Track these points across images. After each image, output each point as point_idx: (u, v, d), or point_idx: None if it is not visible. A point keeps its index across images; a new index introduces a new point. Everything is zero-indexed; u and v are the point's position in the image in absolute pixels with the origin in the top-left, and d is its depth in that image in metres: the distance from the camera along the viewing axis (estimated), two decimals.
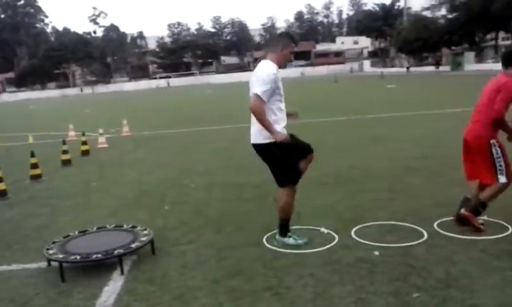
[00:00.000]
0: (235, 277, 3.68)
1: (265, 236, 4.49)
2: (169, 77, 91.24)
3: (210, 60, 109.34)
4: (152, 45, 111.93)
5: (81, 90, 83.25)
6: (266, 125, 4.01)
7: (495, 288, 3.18)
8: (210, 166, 8.50)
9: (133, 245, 4.10)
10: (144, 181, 7.61)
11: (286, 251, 4.13)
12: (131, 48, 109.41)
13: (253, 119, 4.16)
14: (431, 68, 63.34)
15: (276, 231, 4.42)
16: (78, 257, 3.96)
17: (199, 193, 6.56)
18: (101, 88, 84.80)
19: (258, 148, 4.21)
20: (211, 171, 8.01)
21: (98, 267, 4.00)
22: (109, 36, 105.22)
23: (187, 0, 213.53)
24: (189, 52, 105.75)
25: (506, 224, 4.36)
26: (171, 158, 9.75)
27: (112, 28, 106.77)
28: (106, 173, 8.75)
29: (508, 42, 58.63)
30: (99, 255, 3.93)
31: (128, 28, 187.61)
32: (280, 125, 4.10)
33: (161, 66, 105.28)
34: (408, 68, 64.60)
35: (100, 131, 12.40)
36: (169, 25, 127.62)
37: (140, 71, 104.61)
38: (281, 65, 4.22)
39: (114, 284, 3.72)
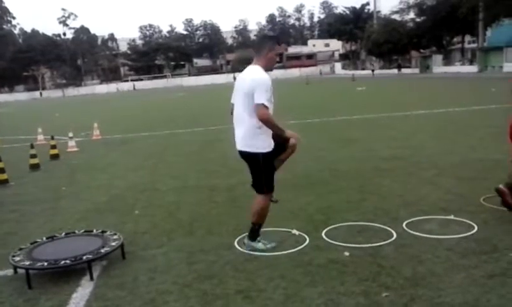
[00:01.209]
0: (206, 281, 3.67)
1: (236, 239, 4.49)
2: (141, 80, 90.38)
3: (182, 62, 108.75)
4: (124, 47, 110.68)
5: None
6: (279, 130, 4.03)
7: (460, 286, 3.26)
8: (181, 169, 8.45)
9: (102, 251, 4.05)
10: (115, 186, 7.51)
11: (257, 253, 4.14)
12: (102, 50, 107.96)
13: (239, 125, 4.14)
14: (396, 71, 64.50)
15: (245, 235, 4.42)
16: (45, 263, 3.88)
17: (170, 196, 6.52)
18: (72, 91, 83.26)
19: (246, 155, 4.18)
20: (183, 174, 7.97)
21: (66, 274, 3.93)
22: (80, 38, 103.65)
23: (158, 2, 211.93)
24: (161, 54, 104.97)
25: (472, 223, 4.46)
26: (142, 161, 9.66)
27: (83, 30, 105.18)
28: (76, 177, 8.60)
29: (474, 45, 60.11)
30: (67, 261, 3.86)
31: (99, 30, 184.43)
32: (269, 133, 4.06)
33: (133, 68, 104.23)
34: (372, 70, 65.58)
35: (70, 134, 12.19)
36: (140, 28, 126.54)
37: (112, 74, 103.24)
38: (268, 69, 4.15)
39: (83, 291, 3.66)
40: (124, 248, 4.26)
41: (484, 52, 50.60)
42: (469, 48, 65.09)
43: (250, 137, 4.05)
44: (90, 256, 3.92)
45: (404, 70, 65.32)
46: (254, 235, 4.27)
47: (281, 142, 4.17)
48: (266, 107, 3.89)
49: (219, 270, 3.86)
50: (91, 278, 3.83)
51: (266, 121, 3.92)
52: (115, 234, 4.44)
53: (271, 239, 4.40)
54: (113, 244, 4.20)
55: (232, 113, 4.27)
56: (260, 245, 4.24)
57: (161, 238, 4.74)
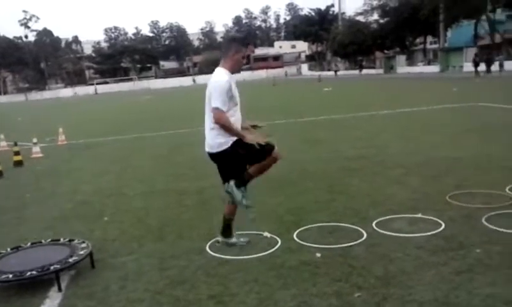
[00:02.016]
0: (178, 287, 3.63)
1: (208, 244, 4.46)
2: (106, 83, 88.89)
3: (148, 65, 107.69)
4: (88, 50, 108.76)
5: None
6: (235, 132, 4.03)
7: (430, 284, 3.32)
8: (149, 173, 8.35)
9: (71, 260, 3.94)
10: (81, 192, 7.35)
11: (229, 257, 4.12)
12: (66, 53, 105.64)
13: (206, 127, 4.17)
14: (365, 71, 65.50)
15: (215, 239, 4.41)
16: (10, 275, 3.75)
17: (139, 201, 6.43)
18: (35, 95, 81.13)
19: (215, 155, 4.18)
20: (151, 179, 7.87)
21: (33, 285, 3.81)
22: (42, 40, 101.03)
23: (123, 4, 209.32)
24: (127, 57, 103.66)
25: (439, 221, 4.56)
26: (109, 166, 9.49)
27: (46, 32, 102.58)
28: (41, 184, 8.37)
29: (435, 46, 61.65)
30: (34, 272, 3.75)
31: (63, 33, 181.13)
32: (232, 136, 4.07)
33: (98, 71, 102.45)
34: (335, 71, 66.50)
35: (34, 140, 11.87)
36: (105, 30, 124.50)
37: (76, 77, 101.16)
38: (234, 71, 4.18)
39: (51, 302, 3.56)
40: (93, 256, 4.16)
41: (445, 53, 52.02)
42: (431, 49, 66.77)
43: (213, 138, 4.11)
44: (58, 266, 3.81)
45: (369, 71, 66.48)
46: (241, 183, 4.18)
47: (265, 148, 4.10)
48: (221, 111, 3.93)
49: (191, 276, 3.82)
50: (59, 289, 3.73)
51: (221, 125, 3.98)
52: (83, 242, 4.34)
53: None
54: (81, 252, 4.10)
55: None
56: (239, 195, 4.14)
57: (131, 245, 4.67)
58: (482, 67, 36.24)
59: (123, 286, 3.73)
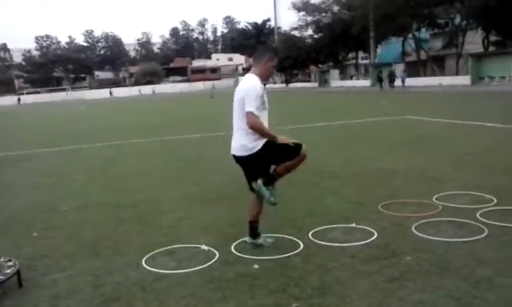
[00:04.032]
0: (113, 304, 3.51)
1: (144, 258, 4.35)
2: (38, 93, 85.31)
3: (83, 75, 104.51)
4: (18, 58, 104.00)
5: None
6: (269, 135, 4.19)
7: (364, 292, 3.41)
8: (83, 187, 8.06)
9: None
10: (10, 207, 6.96)
11: (166, 271, 4.04)
12: None
13: (235, 131, 4.34)
14: (302, 85, 67.06)
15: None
16: None
17: (72, 216, 6.17)
18: None
19: (242, 159, 4.33)
20: (85, 192, 7.60)
21: None
22: None
23: (55, 12, 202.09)
24: (60, 66, 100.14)
25: (372, 230, 4.71)
26: (41, 179, 9.06)
27: None
28: None
29: (367, 61, 64.17)
30: None
31: None
32: (263, 138, 4.22)
33: (29, 80, 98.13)
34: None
35: None
36: (36, 38, 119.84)
37: (5, 86, 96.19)
38: (264, 78, 4.33)
39: None
40: (21, 275, 3.95)
41: (375, 68, 54.18)
42: (362, 64, 69.46)
43: (243, 143, 4.25)
44: None
45: (305, 84, 68.17)
46: (269, 182, 4.33)
47: (294, 148, 4.29)
48: (255, 115, 4.08)
49: (126, 292, 3.71)
50: None
51: (255, 129, 4.12)
52: (10, 260, 4.10)
53: (180, 256, 4.36)
54: (8, 271, 3.87)
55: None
56: (268, 193, 4.29)
57: (63, 262, 4.47)
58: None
59: (54, 305, 3.56)
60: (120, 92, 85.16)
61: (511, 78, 36.55)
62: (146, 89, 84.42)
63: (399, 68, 50.04)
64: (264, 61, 4.33)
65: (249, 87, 4.18)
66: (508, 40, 44.87)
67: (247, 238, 4.54)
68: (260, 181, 4.31)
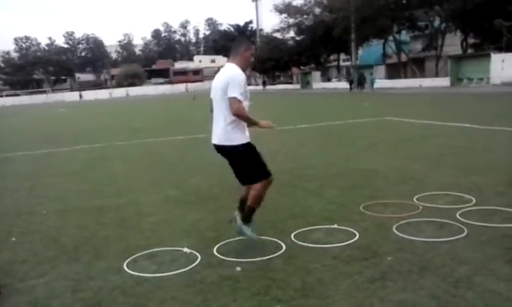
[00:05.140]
0: None
1: (125, 262, 4.31)
2: (17, 95, 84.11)
3: (63, 77, 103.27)
4: None
5: None
6: (251, 121, 4.20)
7: (345, 293, 3.43)
8: (63, 190, 7.94)
9: None
10: None
11: (148, 275, 4.01)
12: None
13: (217, 120, 4.31)
14: (284, 86, 67.31)
15: (135, 255, 4.27)
16: None
17: (52, 220, 6.08)
18: None
19: (224, 149, 4.34)
20: (65, 196, 7.49)
21: None
22: None
23: (35, 13, 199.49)
24: (40, 68, 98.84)
25: (354, 231, 4.74)
26: (19, 183, 8.91)
27: None
28: None
29: (348, 63, 64.63)
30: None
31: None
32: (246, 129, 4.27)
33: (8, 82, 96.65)
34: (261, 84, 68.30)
35: None
36: (15, 40, 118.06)
37: None
38: (244, 68, 4.31)
39: None
40: None
41: (357, 70, 54.63)
42: (344, 66, 69.96)
43: (228, 131, 4.22)
44: None
45: (287, 86, 68.41)
46: (248, 218, 4.36)
47: (265, 168, 4.36)
48: (239, 101, 4.06)
49: (107, 297, 3.67)
50: None
51: (239, 114, 4.10)
52: None
53: (162, 260, 4.33)
54: None
55: (211, 111, 4.46)
56: (249, 231, 4.34)
57: (42, 267, 4.40)
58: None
59: None
60: (101, 94, 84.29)
61: (488, 80, 37.18)
62: (120, 92, 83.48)
63: (380, 70, 50.83)
64: (242, 52, 4.34)
65: (234, 74, 4.18)
66: (486, 42, 45.67)
67: (238, 220, 4.46)
68: (239, 221, 4.39)
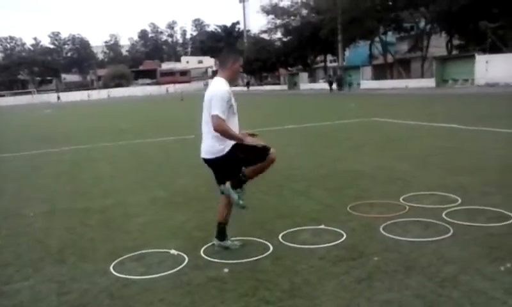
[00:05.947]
0: None
1: (112, 264, 4.28)
2: (2, 96, 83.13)
3: (49, 78, 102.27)
4: None
5: None
6: (235, 138, 4.20)
7: (332, 294, 3.44)
8: (50, 192, 7.87)
9: None
10: None
11: (135, 277, 3.98)
12: None
13: (204, 134, 4.33)
14: (272, 87, 67.39)
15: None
16: None
17: (39, 222, 6.02)
18: None
19: (211, 162, 4.34)
20: (52, 198, 7.42)
21: None
22: None
23: (20, 13, 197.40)
24: (25, 69, 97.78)
25: (341, 231, 4.76)
26: (5, 185, 8.80)
27: None
28: None
29: (335, 64, 64.92)
30: None
31: None
32: (231, 140, 4.23)
33: None
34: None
35: None
36: (0, 40, 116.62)
37: None
38: (232, 80, 4.37)
39: None
40: None
41: (344, 71, 54.86)
42: (331, 67, 70.20)
43: (211, 145, 4.25)
44: None
45: (274, 87, 68.46)
46: (238, 185, 4.32)
47: (262, 150, 4.31)
48: (220, 119, 4.07)
49: (93, 299, 3.64)
50: None
51: (220, 131, 4.12)
52: None
53: (149, 261, 4.31)
54: None
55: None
56: (236, 196, 4.30)
57: (27, 270, 4.35)
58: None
59: None
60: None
61: (473, 81, 37.57)
62: (101, 94, 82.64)
63: (366, 71, 51.32)
64: (230, 64, 4.36)
65: (216, 91, 4.19)
66: (470, 44, 46.16)
67: (215, 241, 4.53)
68: (228, 184, 4.32)
